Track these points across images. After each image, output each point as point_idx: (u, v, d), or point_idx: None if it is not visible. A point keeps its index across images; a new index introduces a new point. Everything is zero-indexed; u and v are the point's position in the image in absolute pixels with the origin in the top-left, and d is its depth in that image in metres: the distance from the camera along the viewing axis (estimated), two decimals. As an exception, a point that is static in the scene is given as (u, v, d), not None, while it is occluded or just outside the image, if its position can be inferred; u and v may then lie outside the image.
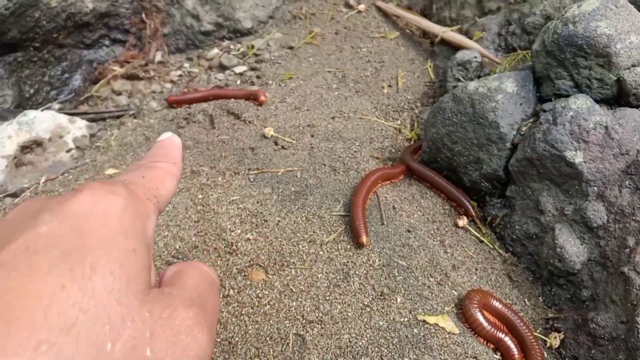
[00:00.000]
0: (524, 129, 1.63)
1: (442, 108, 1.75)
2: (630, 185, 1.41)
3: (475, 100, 1.66)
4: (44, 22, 2.55)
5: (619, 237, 1.38)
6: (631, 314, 1.25)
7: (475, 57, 2.10)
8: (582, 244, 1.45)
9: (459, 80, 2.12)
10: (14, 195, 2.01)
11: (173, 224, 1.69)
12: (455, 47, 2.31)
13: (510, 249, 1.67)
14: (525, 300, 1.56)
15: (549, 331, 1.47)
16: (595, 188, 1.45)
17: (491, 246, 1.70)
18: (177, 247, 1.62)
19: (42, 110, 2.47)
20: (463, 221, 1.72)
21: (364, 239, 1.54)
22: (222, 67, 2.62)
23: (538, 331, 1.48)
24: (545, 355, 1.42)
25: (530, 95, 1.65)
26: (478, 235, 1.72)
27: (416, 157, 1.94)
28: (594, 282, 1.41)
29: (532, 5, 2.18)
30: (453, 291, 1.49)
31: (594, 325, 1.34)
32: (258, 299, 1.46)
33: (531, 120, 1.64)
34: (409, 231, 1.65)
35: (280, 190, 1.80)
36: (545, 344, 1.45)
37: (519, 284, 1.59)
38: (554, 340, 1.44)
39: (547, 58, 1.57)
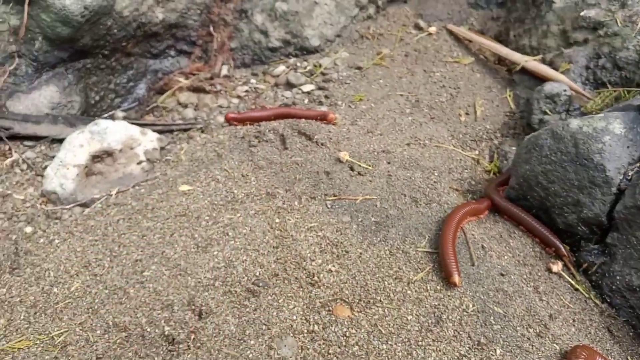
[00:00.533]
0: (630, 174, 1.53)
1: (539, 145, 1.66)
2: None
3: (579, 140, 1.56)
4: (115, 31, 2.55)
5: None
6: None
7: (565, 91, 2.00)
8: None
9: (545, 113, 2.03)
10: (84, 205, 1.98)
11: (251, 248, 1.63)
12: (539, 78, 2.21)
13: (608, 300, 1.56)
14: (628, 357, 1.44)
15: (660, 397, 1.35)
16: None
17: (587, 295, 1.59)
18: (257, 273, 1.56)
19: (107, 117, 2.47)
20: (557, 266, 1.62)
21: (457, 278, 1.46)
22: (289, 85, 2.58)
23: (647, 396, 1.36)
24: None
25: (639, 138, 1.55)
26: (573, 282, 1.61)
27: (501, 192, 1.84)
28: None
29: (625, 40, 2.07)
30: (554, 345, 1.39)
31: None
32: (345, 337, 1.39)
33: (639, 164, 1.54)
34: (502, 274, 1.56)
35: (359, 220, 1.73)
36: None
37: (620, 339, 1.48)
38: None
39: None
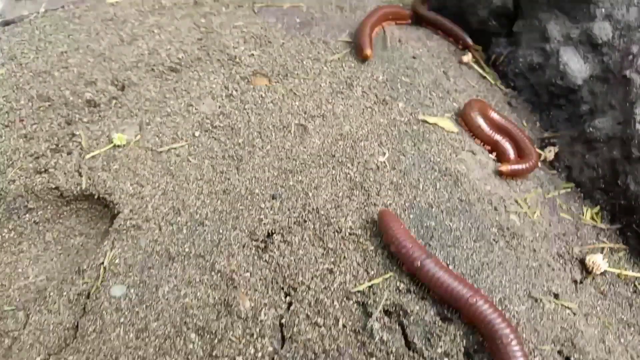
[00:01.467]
0: (536, -39, 1.61)
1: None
2: (638, 3, 1.41)
3: None
4: None
5: (623, 49, 1.39)
6: (629, 111, 1.27)
7: None
8: (585, 62, 1.46)
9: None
10: (12, 22, 1.96)
11: (176, 40, 1.67)
12: None
13: (512, 84, 1.68)
14: (524, 122, 1.58)
15: (544, 146, 1.50)
16: (603, 10, 1.45)
17: (493, 82, 1.71)
18: (180, 57, 1.60)
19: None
20: (467, 57, 1.72)
21: (368, 51, 1.54)
22: None
23: (535, 147, 1.50)
24: (539, 164, 1.46)
25: None
26: (481, 71, 1.73)
27: (426, 6, 1.91)
28: (593, 96, 1.44)
29: None
30: (454, 104, 1.51)
31: (590, 129, 1.37)
32: (261, 98, 1.47)
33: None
34: (414, 57, 1.65)
35: (285, 20, 1.78)
36: (540, 158, 1.48)
37: (518, 110, 1.62)
38: (549, 153, 1.47)
39: None
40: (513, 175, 1.35)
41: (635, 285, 1.20)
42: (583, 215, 1.33)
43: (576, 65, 1.46)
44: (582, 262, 1.19)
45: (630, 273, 1.21)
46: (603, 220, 1.32)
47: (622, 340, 1.06)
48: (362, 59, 1.57)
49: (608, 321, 1.09)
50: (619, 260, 1.24)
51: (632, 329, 1.09)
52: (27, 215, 1.31)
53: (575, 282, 1.14)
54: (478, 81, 1.69)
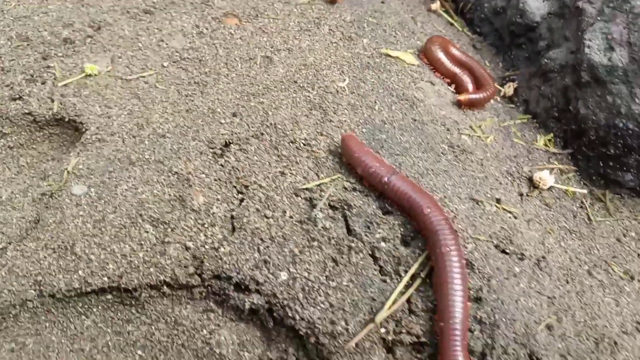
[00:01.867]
0: None
1: None
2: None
3: None
4: None
5: (578, -15, 1.43)
6: (580, 39, 1.32)
7: None
8: (543, 1, 1.51)
9: None
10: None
11: (152, -13, 1.72)
12: None
13: (478, 30, 1.73)
14: (487, 62, 1.63)
15: (504, 84, 1.55)
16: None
17: (460, 28, 1.76)
18: (155, 0, 1.66)
19: None
20: (436, 5, 1.77)
21: None
22: None
23: (496, 84, 1.55)
24: (498, 100, 1.51)
25: None
26: (448, 18, 1.78)
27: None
28: (550, 32, 1.48)
29: None
30: (418, 42, 1.56)
31: (546, 61, 1.42)
32: (230, 35, 1.52)
33: None
34: (382, 2, 1.70)
35: (260, -30, 1.83)
36: (501, 94, 1.53)
37: (482, 52, 1.66)
38: (508, 89, 1.51)
39: None
40: (471, 105, 1.39)
41: (582, 202, 1.25)
42: (537, 141, 1.37)
43: (535, 3, 1.51)
44: (530, 180, 1.24)
45: (578, 190, 1.26)
46: (556, 146, 1.37)
47: (562, 243, 1.11)
48: (331, 2, 1.62)
49: (550, 228, 1.13)
50: (569, 181, 1.29)
51: (574, 235, 1.14)
52: (2, 140, 1.36)
53: (521, 194, 1.19)
54: (445, 27, 1.74)
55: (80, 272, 0.95)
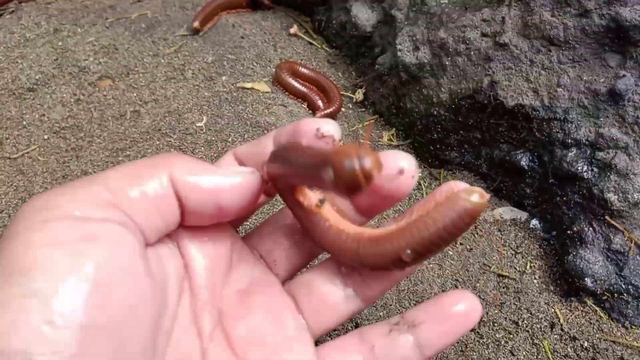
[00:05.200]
0: None
1: None
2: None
3: None
4: None
5: (395, -5, 1.63)
6: (394, 43, 1.52)
7: None
8: (372, 12, 1.71)
9: None
10: None
11: (35, 65, 1.88)
12: None
13: (334, 45, 1.93)
14: (340, 74, 1.82)
15: (356, 90, 1.74)
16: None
17: (319, 46, 1.95)
18: (37, 77, 1.82)
19: None
20: (294, 28, 1.96)
21: (197, 23, 1.78)
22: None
23: (349, 92, 1.75)
24: (351, 106, 1.70)
25: None
26: (308, 39, 1.97)
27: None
28: (382, 39, 1.68)
29: None
30: (273, 69, 1.74)
31: (378, 66, 1.61)
32: (104, 96, 1.69)
33: None
34: (242, 37, 1.89)
35: (132, 28, 2.00)
36: (353, 100, 1.72)
37: (336, 65, 1.86)
38: (358, 95, 1.71)
39: None
40: (327, 118, 1.58)
41: (419, 183, 1.44)
42: (382, 138, 1.57)
43: (364, 15, 1.70)
44: (372, 174, 1.43)
45: (415, 175, 1.45)
46: (398, 138, 1.57)
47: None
48: (194, 31, 1.80)
49: (385, 213, 1.32)
50: (409, 167, 1.48)
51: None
52: None
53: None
54: (305, 48, 1.93)
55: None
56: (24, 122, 1.65)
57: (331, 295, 0.67)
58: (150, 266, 0.55)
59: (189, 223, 0.61)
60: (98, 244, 0.49)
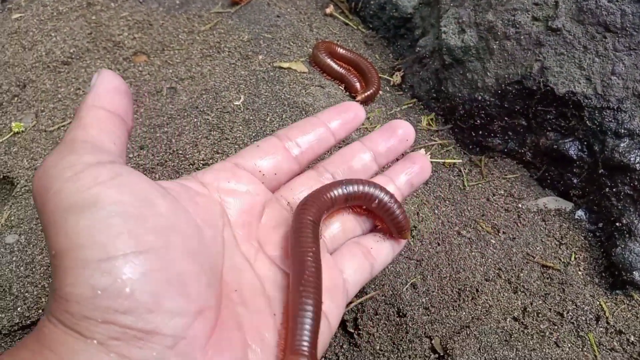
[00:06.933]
0: None
1: None
2: None
3: None
4: None
5: (438, -25, 1.59)
6: (438, 25, 1.48)
7: None
8: (414, -8, 1.66)
9: None
10: None
11: (69, 39, 1.87)
12: None
13: (371, 26, 1.88)
14: (377, 56, 1.79)
15: (393, 73, 1.70)
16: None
17: (355, 27, 1.91)
18: (72, 51, 1.81)
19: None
20: (330, 8, 1.92)
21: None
22: None
23: (386, 75, 1.71)
24: (388, 89, 1.67)
25: None
26: (343, 19, 1.93)
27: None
28: (423, 21, 1.64)
29: None
30: (309, 50, 1.71)
31: (418, 48, 1.57)
32: (140, 72, 1.68)
33: None
34: (278, 16, 1.85)
35: (166, 4, 1.98)
36: (390, 83, 1.69)
37: (372, 47, 1.82)
38: (396, 78, 1.67)
39: None
40: (367, 100, 1.55)
41: (459, 170, 1.41)
42: (421, 122, 1.54)
43: (405, -4, 1.66)
44: (412, 159, 1.40)
45: (456, 160, 1.42)
46: (437, 123, 1.53)
47: (435, 211, 1.28)
48: (231, 3, 1.78)
49: (426, 199, 1.30)
50: (448, 153, 1.45)
51: (447, 202, 1.31)
52: (-51, 204, 1.52)
53: (401, 174, 1.35)
54: (341, 28, 1.89)
55: (18, 309, 1.12)
56: (59, 96, 1.65)
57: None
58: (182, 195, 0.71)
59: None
60: (128, 178, 0.60)
